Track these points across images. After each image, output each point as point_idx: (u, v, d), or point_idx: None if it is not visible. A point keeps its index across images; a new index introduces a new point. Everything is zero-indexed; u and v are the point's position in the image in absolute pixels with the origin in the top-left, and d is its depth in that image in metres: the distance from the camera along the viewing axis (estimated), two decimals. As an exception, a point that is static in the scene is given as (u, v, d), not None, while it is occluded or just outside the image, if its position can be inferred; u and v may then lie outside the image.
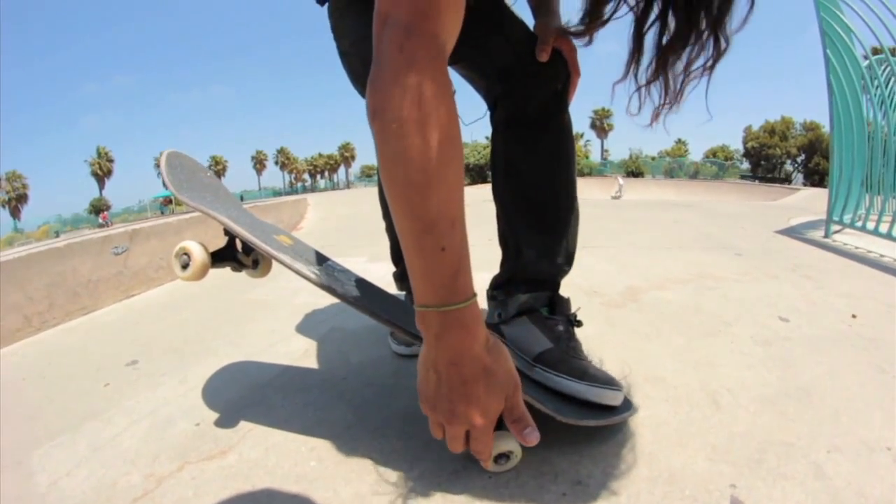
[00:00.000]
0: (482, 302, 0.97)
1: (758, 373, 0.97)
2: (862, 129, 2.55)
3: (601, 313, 1.37)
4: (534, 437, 0.60)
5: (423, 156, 0.49)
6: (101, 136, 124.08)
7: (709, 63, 0.66)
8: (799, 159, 42.49)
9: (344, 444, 0.78)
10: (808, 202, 5.32)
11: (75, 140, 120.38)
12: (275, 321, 1.44)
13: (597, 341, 1.14)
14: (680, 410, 0.84)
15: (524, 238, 0.92)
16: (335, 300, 1.39)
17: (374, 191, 1.62)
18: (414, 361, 1.06)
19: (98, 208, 49.91)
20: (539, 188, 0.90)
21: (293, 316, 1.45)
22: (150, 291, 2.09)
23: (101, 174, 56.90)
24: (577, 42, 0.86)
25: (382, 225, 1.12)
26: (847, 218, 2.65)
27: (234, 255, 0.90)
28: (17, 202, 51.82)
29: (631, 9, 0.69)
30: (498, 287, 0.95)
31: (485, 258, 2.22)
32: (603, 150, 56.97)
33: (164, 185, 0.85)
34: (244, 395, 0.99)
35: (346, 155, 66.19)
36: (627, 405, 0.80)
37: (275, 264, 0.91)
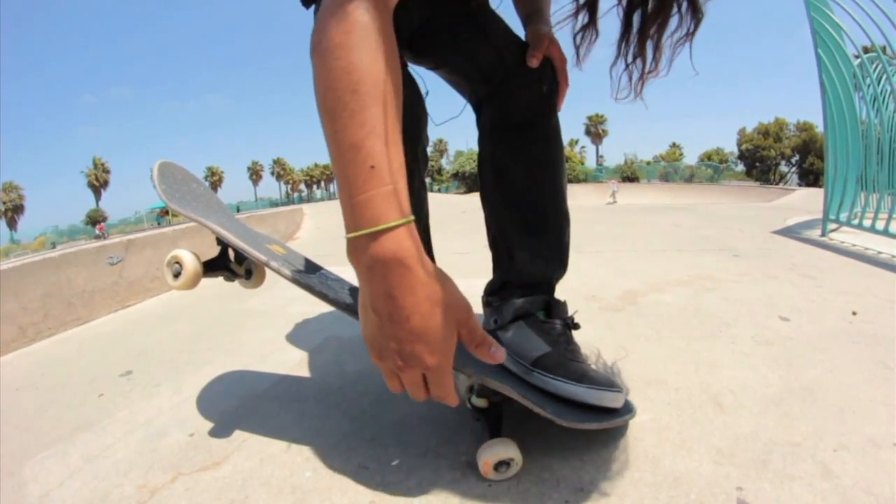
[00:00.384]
0: (478, 309, 0.97)
1: (760, 373, 0.96)
2: (855, 127, 2.57)
3: (600, 317, 1.36)
4: (500, 354, 0.54)
5: (352, 77, 0.49)
6: (97, 147, 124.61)
7: (690, 30, 0.72)
8: (793, 160, 42.73)
9: (340, 454, 0.77)
10: (803, 202, 5.35)
11: (72, 151, 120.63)
12: (270, 331, 1.43)
13: (596, 345, 1.12)
14: (683, 413, 0.83)
15: (516, 241, 0.91)
16: (330, 309, 1.39)
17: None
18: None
19: (95, 219, 49.86)
20: (528, 192, 0.90)
21: (288, 325, 1.44)
22: (145, 302, 2.08)
23: (98, 185, 56.88)
24: (570, 66, 0.88)
25: None
26: (843, 216, 2.66)
27: (227, 264, 0.89)
28: (13, 213, 51.73)
29: None
30: (492, 293, 0.94)
31: (481, 265, 2.21)
32: (598, 156, 57.22)
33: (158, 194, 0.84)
34: (239, 405, 0.97)
35: (343, 163, 66.00)
36: (629, 407, 0.78)
37: (268, 274, 0.90)
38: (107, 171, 58.02)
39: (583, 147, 57.94)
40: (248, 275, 0.90)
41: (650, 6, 0.73)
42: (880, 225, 2.32)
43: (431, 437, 0.79)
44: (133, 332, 1.63)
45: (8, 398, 1.15)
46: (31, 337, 1.61)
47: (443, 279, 0.52)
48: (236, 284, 0.94)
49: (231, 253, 0.88)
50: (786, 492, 0.63)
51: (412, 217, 0.50)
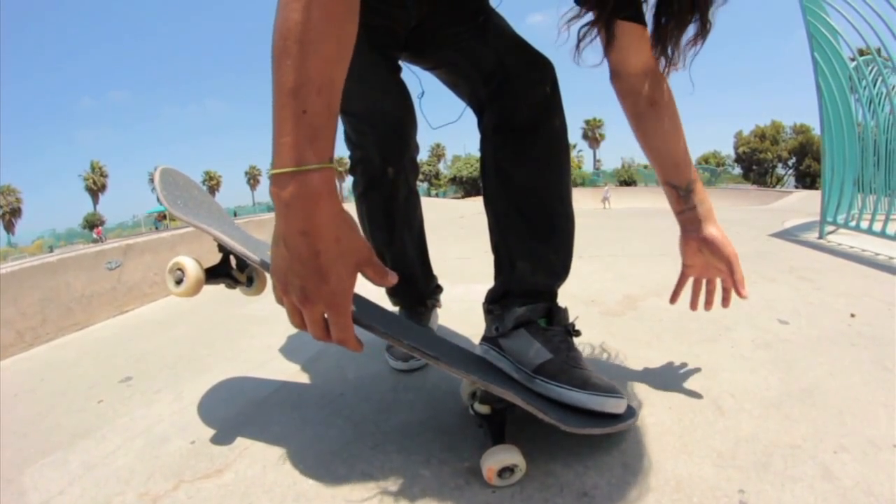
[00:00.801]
0: (479, 315, 0.97)
1: (760, 376, 0.96)
2: (852, 129, 2.58)
3: (600, 322, 1.36)
4: (393, 277, 0.59)
5: (303, 27, 0.51)
6: (95, 151, 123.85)
7: (700, 35, 0.80)
8: (790, 162, 42.92)
9: (343, 462, 0.77)
10: (800, 204, 5.37)
11: (70, 155, 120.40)
12: (270, 337, 1.42)
13: (597, 350, 1.13)
14: (684, 417, 0.83)
15: (518, 250, 0.90)
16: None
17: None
18: (412, 376, 1.06)
19: (92, 223, 49.74)
20: (532, 195, 0.89)
21: (288, 331, 1.43)
22: (144, 307, 2.08)
23: (95, 189, 56.73)
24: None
25: None
26: (841, 218, 2.67)
27: (229, 271, 0.89)
28: (10, 216, 51.56)
29: None
30: (493, 301, 0.93)
31: (481, 270, 2.21)
32: (595, 160, 57.35)
33: (159, 200, 0.84)
34: (240, 411, 0.97)
35: (340, 169, 66.38)
36: (631, 412, 0.79)
37: (269, 282, 0.90)
38: (104, 175, 57.88)
39: (580, 151, 58.08)
40: (250, 282, 0.90)
41: (672, 12, 0.79)
42: (877, 227, 2.33)
43: (434, 444, 0.79)
44: (132, 338, 1.63)
45: (6, 404, 1.14)
46: (29, 342, 1.61)
47: (350, 224, 0.56)
48: (235, 291, 0.94)
49: (233, 260, 0.88)
50: (787, 493, 0.63)
51: (333, 164, 0.54)
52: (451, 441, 0.80)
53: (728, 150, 49.12)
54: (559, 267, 0.91)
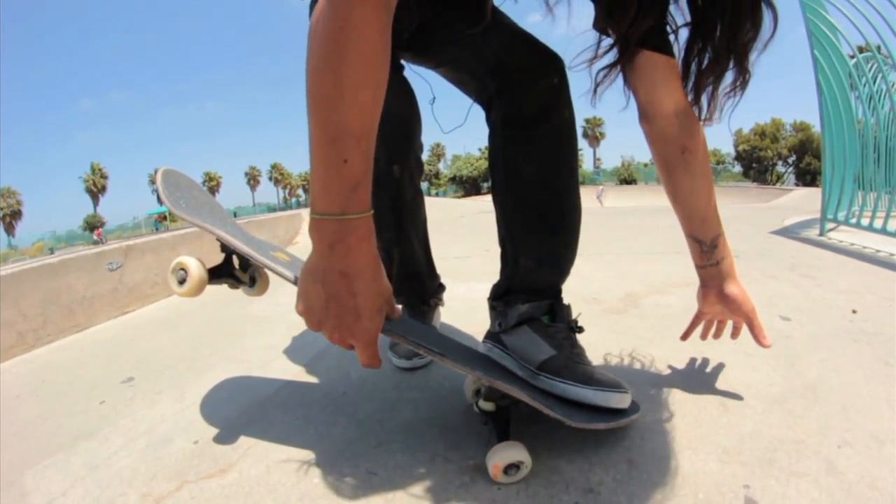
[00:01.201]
0: (484, 311, 0.97)
1: (763, 373, 0.96)
2: (852, 126, 2.58)
3: (603, 320, 1.36)
4: (399, 312, 0.66)
5: (339, 74, 0.52)
6: (95, 153, 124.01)
7: (738, 88, 0.77)
8: (790, 160, 42.92)
9: (347, 460, 0.77)
10: (801, 202, 5.37)
11: (70, 156, 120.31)
12: (272, 336, 1.42)
13: (600, 348, 1.12)
14: (687, 413, 0.83)
15: (524, 245, 0.89)
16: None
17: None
18: (416, 375, 1.06)
19: (93, 225, 49.77)
20: (542, 188, 0.88)
21: (291, 331, 1.43)
22: (145, 308, 2.07)
23: (96, 190, 56.74)
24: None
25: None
26: (841, 215, 2.67)
27: (232, 271, 0.89)
28: (11, 218, 51.56)
29: (673, 31, 0.78)
30: (497, 297, 0.93)
31: (482, 269, 2.21)
32: (595, 159, 57.36)
33: (160, 201, 0.84)
34: (243, 411, 0.97)
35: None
36: (635, 407, 0.79)
37: (271, 282, 0.89)
38: (104, 177, 57.88)
39: (580, 150, 58.03)
40: (252, 282, 0.90)
41: (706, 58, 0.76)
42: (878, 223, 2.33)
43: (439, 442, 0.79)
44: (133, 339, 1.63)
45: (8, 406, 1.14)
46: (30, 343, 1.61)
47: (381, 265, 0.61)
48: (237, 291, 0.93)
49: (235, 260, 0.88)
50: (792, 488, 0.63)
51: (371, 210, 0.58)
52: (455, 439, 0.80)
53: (728, 148, 49.21)
54: (567, 261, 0.91)
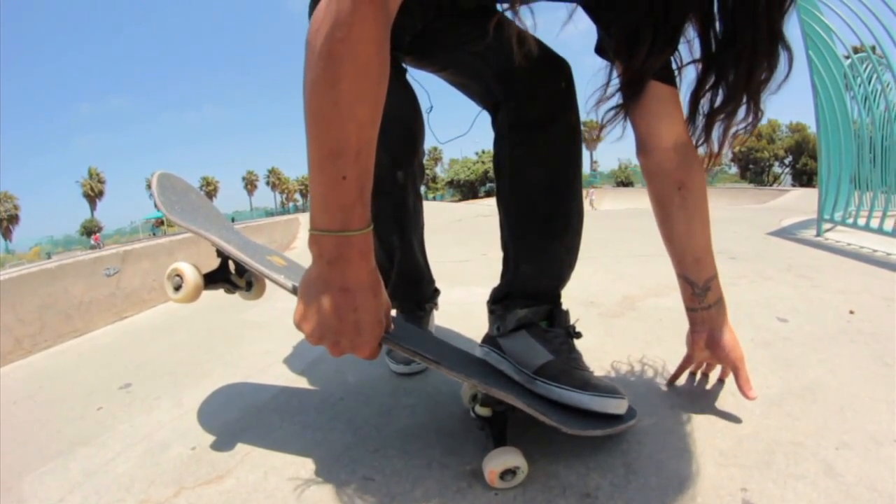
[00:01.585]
0: (479, 315, 0.97)
1: (760, 374, 0.96)
2: (847, 127, 2.59)
3: (600, 323, 1.36)
4: (391, 325, 0.65)
5: (336, 90, 0.51)
6: (93, 157, 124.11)
7: (748, 126, 0.75)
8: (787, 161, 43.04)
9: (344, 466, 0.77)
10: (797, 202, 5.38)
11: (68, 161, 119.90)
12: (270, 342, 1.42)
13: (597, 351, 1.12)
14: (685, 417, 0.83)
15: (526, 249, 0.89)
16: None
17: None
18: (413, 380, 1.06)
19: (90, 230, 49.70)
20: (548, 193, 0.87)
21: (288, 336, 1.43)
22: (142, 313, 2.07)
23: (93, 195, 56.70)
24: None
25: None
26: (838, 216, 2.68)
27: (228, 276, 0.88)
28: (8, 223, 51.49)
29: (678, 67, 0.76)
30: (496, 301, 0.93)
31: (479, 273, 2.21)
32: (592, 161, 57.41)
33: (156, 206, 0.84)
34: (240, 417, 0.96)
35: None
36: (632, 413, 0.79)
37: (268, 285, 0.89)
38: (102, 182, 57.85)
39: (578, 152, 58.02)
40: (249, 286, 0.90)
41: (719, 97, 0.73)
42: (874, 223, 2.34)
43: (436, 447, 0.79)
44: (131, 344, 1.62)
45: (5, 411, 1.14)
46: (27, 349, 1.60)
47: (381, 279, 0.61)
48: (234, 295, 0.93)
49: (231, 265, 0.88)
50: (790, 491, 0.63)
51: (371, 226, 0.58)
52: (452, 444, 0.80)
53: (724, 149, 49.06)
54: (567, 266, 0.90)
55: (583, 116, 0.89)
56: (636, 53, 0.71)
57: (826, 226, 2.69)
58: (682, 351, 1.09)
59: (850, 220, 2.55)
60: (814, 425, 0.77)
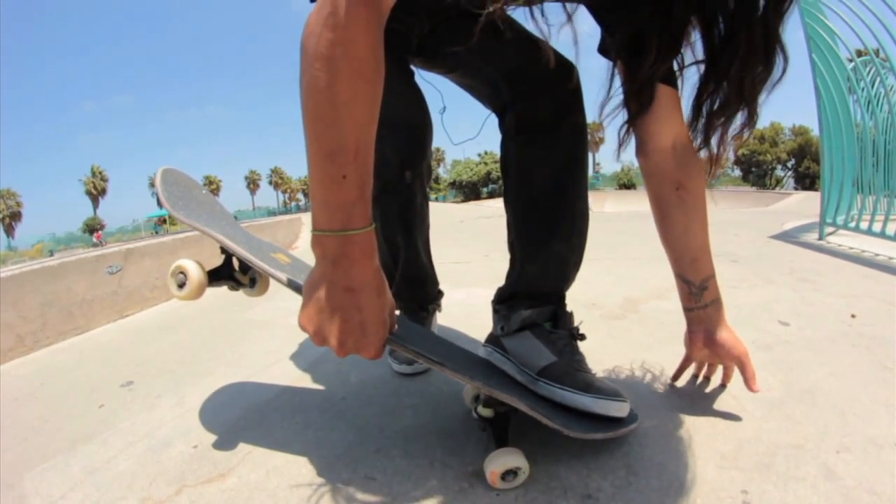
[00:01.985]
0: (482, 317, 0.97)
1: (761, 377, 0.95)
2: (850, 130, 2.59)
3: (601, 325, 1.36)
4: (394, 327, 0.64)
5: (333, 90, 0.52)
6: (96, 155, 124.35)
7: (745, 130, 0.74)
8: (789, 164, 42.97)
9: (346, 465, 0.77)
10: (800, 206, 5.37)
11: (71, 159, 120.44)
12: (272, 341, 1.42)
13: (599, 354, 1.12)
14: (686, 419, 0.83)
15: (532, 250, 0.89)
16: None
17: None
18: (415, 380, 1.06)
19: (92, 227, 49.77)
20: (553, 194, 0.88)
21: (291, 335, 1.43)
22: (145, 311, 2.07)
23: (96, 193, 56.82)
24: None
25: None
26: (840, 219, 2.67)
27: (231, 273, 0.89)
28: (10, 220, 51.64)
29: (679, 69, 0.75)
30: (501, 301, 0.93)
31: (481, 274, 2.21)
32: (594, 164, 57.35)
33: (159, 202, 0.84)
34: (242, 416, 0.97)
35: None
36: (634, 416, 0.79)
37: (272, 282, 0.89)
38: (104, 180, 57.98)
39: (580, 154, 57.96)
40: (253, 283, 0.90)
41: (718, 100, 0.73)
42: (877, 227, 2.33)
43: (437, 448, 0.79)
44: (133, 342, 1.63)
45: (7, 408, 1.14)
46: (29, 346, 1.61)
47: (385, 278, 0.61)
48: (237, 294, 0.93)
49: (235, 262, 0.88)
50: (790, 494, 0.63)
51: (373, 224, 0.58)
52: (454, 444, 0.80)
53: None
54: (573, 267, 0.91)
55: (589, 119, 0.89)
56: (642, 62, 0.70)
57: (828, 229, 2.68)
58: (683, 353, 1.09)
59: (853, 224, 2.55)
60: (814, 428, 0.77)
